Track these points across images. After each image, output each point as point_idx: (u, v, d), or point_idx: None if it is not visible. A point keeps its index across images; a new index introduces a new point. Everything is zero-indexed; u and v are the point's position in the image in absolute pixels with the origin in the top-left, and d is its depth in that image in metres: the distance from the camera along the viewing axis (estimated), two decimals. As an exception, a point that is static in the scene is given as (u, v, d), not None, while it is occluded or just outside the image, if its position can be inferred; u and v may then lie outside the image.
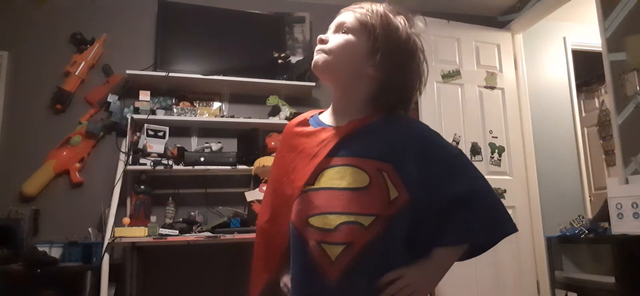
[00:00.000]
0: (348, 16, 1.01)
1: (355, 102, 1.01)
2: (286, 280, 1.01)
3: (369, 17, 0.99)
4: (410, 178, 0.94)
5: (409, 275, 0.92)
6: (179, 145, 2.91)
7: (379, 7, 1.00)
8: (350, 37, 0.99)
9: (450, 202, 0.94)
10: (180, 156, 2.83)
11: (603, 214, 2.68)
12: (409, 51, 0.99)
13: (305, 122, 1.07)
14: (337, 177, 0.94)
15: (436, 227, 0.94)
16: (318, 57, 1.01)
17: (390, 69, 0.97)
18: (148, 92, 2.90)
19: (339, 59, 1.00)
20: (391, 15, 1.00)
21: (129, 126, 2.80)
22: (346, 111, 1.02)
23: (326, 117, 1.06)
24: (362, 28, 0.99)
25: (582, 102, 4.85)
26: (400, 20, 1.00)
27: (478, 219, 0.94)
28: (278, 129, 3.01)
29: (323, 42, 1.02)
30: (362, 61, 0.98)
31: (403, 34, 0.98)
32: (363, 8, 1.01)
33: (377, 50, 0.97)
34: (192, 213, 2.87)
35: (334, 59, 1.00)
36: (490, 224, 0.95)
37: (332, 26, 1.04)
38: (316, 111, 1.10)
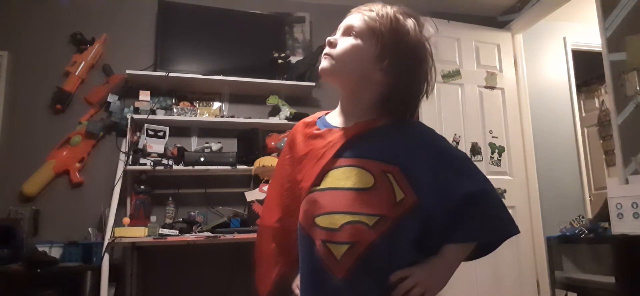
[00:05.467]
0: (357, 19, 1.00)
1: (362, 104, 1.01)
2: (298, 282, 1.01)
3: (377, 23, 0.97)
4: (418, 180, 0.94)
5: (418, 274, 0.92)
6: (179, 145, 2.91)
7: (389, 10, 0.99)
8: (357, 42, 0.98)
9: (461, 201, 0.94)
10: (180, 156, 2.83)
11: (603, 214, 2.67)
12: (417, 57, 0.99)
13: (312, 124, 1.08)
14: (342, 178, 0.95)
15: (447, 226, 0.95)
16: (325, 62, 1.00)
17: (398, 74, 0.97)
18: (148, 92, 2.90)
19: (346, 65, 0.99)
20: (401, 19, 0.98)
21: (129, 126, 2.80)
22: (353, 113, 1.02)
23: (333, 118, 1.07)
24: (371, 33, 0.97)
25: (582, 102, 4.85)
26: (410, 24, 0.98)
27: (488, 218, 0.96)
28: (278, 129, 3.01)
29: (331, 45, 1.01)
30: (369, 66, 0.98)
31: (412, 39, 0.98)
32: (372, 11, 0.99)
33: (385, 56, 0.96)
34: (192, 213, 2.87)
35: (340, 64, 0.99)
36: (499, 224, 0.97)
37: (341, 27, 1.02)
38: (323, 113, 1.11)
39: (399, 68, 0.96)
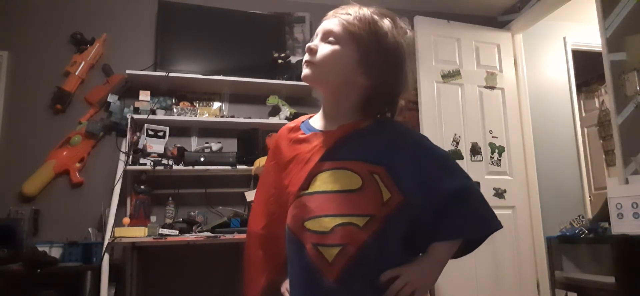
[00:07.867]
0: (334, 24, 1.00)
1: (345, 107, 1.02)
2: (287, 285, 1.02)
3: (356, 27, 0.97)
4: (403, 179, 0.96)
5: (408, 273, 0.93)
6: (179, 145, 2.90)
7: (366, 12, 0.99)
8: (337, 48, 0.98)
9: (445, 199, 0.96)
10: (180, 156, 2.83)
11: (603, 214, 2.67)
12: (397, 57, 0.99)
13: (296, 129, 1.08)
14: (330, 180, 0.96)
15: (433, 224, 0.96)
16: (307, 70, 1.01)
17: (379, 76, 0.98)
18: (148, 92, 2.90)
19: (327, 71, 0.99)
20: (378, 20, 0.98)
21: (129, 126, 2.79)
22: (337, 116, 1.03)
23: (317, 122, 1.07)
24: (350, 38, 0.98)
25: (582, 102, 4.85)
26: (387, 25, 0.99)
27: (473, 214, 0.97)
28: (278, 129, 2.98)
29: (311, 51, 1.00)
30: (350, 70, 0.98)
31: (391, 40, 0.98)
32: (350, 14, 0.99)
33: (366, 60, 0.97)
34: (192, 213, 2.87)
35: (321, 71, 1.00)
36: (482, 220, 0.98)
37: (319, 32, 1.02)
38: (306, 117, 1.11)
39: (379, 70, 0.97)
